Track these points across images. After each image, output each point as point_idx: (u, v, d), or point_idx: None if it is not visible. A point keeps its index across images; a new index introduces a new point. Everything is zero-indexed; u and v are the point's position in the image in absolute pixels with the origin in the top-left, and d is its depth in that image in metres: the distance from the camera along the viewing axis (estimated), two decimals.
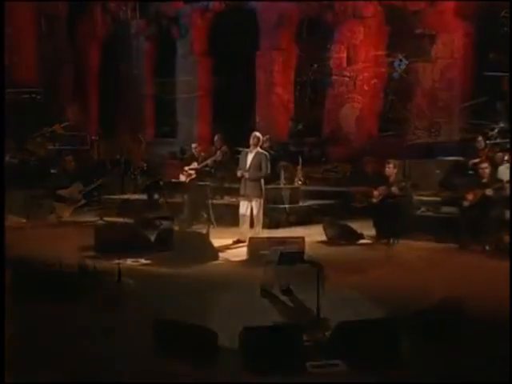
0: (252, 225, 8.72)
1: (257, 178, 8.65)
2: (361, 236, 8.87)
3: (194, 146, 10.78)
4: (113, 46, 16.59)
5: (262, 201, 8.75)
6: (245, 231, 8.72)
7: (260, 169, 8.64)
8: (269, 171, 8.73)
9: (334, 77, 13.52)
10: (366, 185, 9.18)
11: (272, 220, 10.13)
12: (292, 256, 7.02)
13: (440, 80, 12.38)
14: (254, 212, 8.65)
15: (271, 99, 14.31)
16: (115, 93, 16.48)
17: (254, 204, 8.64)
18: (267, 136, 11.87)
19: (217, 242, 8.23)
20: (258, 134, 8.76)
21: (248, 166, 8.65)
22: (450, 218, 8.74)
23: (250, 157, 8.69)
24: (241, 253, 7.89)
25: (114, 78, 16.48)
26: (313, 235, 9.26)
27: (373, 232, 8.89)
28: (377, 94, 13.44)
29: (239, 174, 8.72)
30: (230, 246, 8.62)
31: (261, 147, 11.16)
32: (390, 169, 8.87)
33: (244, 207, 8.75)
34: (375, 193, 8.80)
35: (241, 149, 8.96)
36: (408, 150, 12.22)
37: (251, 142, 8.70)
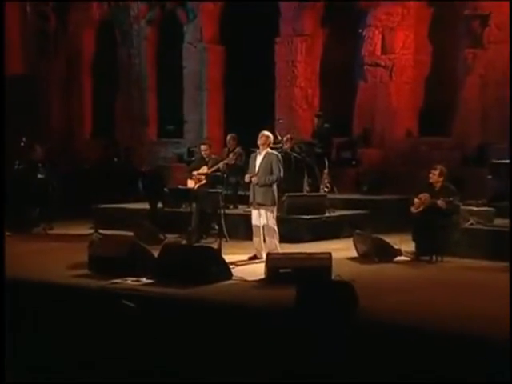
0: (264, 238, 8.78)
1: (267, 183, 8.70)
2: (398, 252, 8.82)
3: (203, 147, 10.83)
4: (109, 32, 16.75)
5: (275, 209, 8.78)
6: (257, 245, 8.76)
7: (271, 172, 8.68)
8: (281, 174, 8.77)
9: (366, 67, 13.49)
10: (404, 192, 9.15)
11: (293, 233, 10.15)
12: (317, 275, 7.04)
13: (493, 68, 12.25)
14: (265, 222, 8.69)
15: (293, 93, 14.33)
16: (112, 85, 16.62)
17: (265, 213, 8.68)
18: (288, 136, 11.89)
19: (230, 259, 8.25)
20: (266, 132, 8.80)
21: (257, 169, 8.71)
22: (503, 231, 8.66)
23: (259, 159, 8.75)
24: (258, 271, 7.89)
25: (111, 69, 16.63)
26: (341, 251, 9.24)
27: (412, 247, 8.84)
28: (417, 87, 13.40)
29: (247, 178, 8.78)
30: (246, 262, 8.64)
31: (281, 148, 11.31)
32: (435, 176, 8.74)
33: (255, 217, 8.80)
34: (416, 201, 8.74)
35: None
36: (454, 152, 12.16)
37: (259, 141, 8.75)
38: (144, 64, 16.40)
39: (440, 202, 8.46)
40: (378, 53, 13.40)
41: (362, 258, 8.90)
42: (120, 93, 16.66)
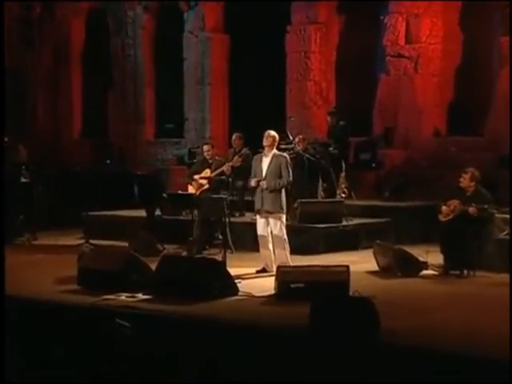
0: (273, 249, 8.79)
1: (276, 188, 8.72)
2: (424, 265, 8.80)
3: (205, 147, 10.85)
4: (101, 20, 16.82)
5: (284, 217, 8.80)
6: (266, 257, 8.79)
7: (279, 176, 8.71)
8: (291, 178, 8.80)
9: (388, 58, 13.49)
10: (431, 198, 9.13)
11: (307, 244, 10.15)
12: (332, 290, 7.03)
13: None
14: (275, 232, 8.72)
15: (306, 88, 14.34)
16: (104, 80, 16.68)
17: (274, 222, 8.71)
18: (300, 136, 11.90)
19: (236, 272, 8.26)
20: (272, 132, 8.83)
21: (264, 173, 8.74)
22: None
23: (265, 162, 8.79)
24: (267, 286, 7.89)
25: (103, 61, 16.70)
26: (360, 263, 9.23)
27: (440, 260, 8.81)
28: (446, 80, 13.37)
29: (253, 183, 8.81)
30: (253, 276, 8.65)
31: (293, 149, 11.32)
32: (466, 180, 8.69)
33: (261, 226, 8.83)
34: (444, 208, 8.71)
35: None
36: (487, 154, 12.11)
37: (264, 142, 8.78)
38: (140, 55, 16.47)
39: (471, 209, 8.42)
40: (402, 42, 13.40)
41: (383, 271, 8.87)
42: (113, 88, 16.73)
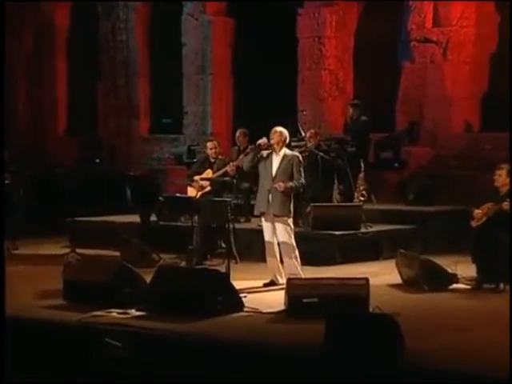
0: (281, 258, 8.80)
1: (290, 191, 8.74)
2: (454, 278, 8.78)
3: (209, 144, 10.85)
4: (89, 2, 16.84)
5: (291, 222, 8.82)
6: (274, 267, 8.81)
7: (291, 177, 8.73)
8: (303, 180, 8.81)
9: (413, 43, 13.46)
10: (461, 202, 9.10)
11: (321, 253, 10.13)
12: (350, 306, 7.02)
13: None
14: (283, 239, 8.73)
15: (320, 77, 14.34)
16: (93, 69, 16.71)
17: (282, 227, 8.73)
18: (313, 131, 11.90)
19: (241, 285, 8.27)
20: (279, 128, 8.82)
21: (274, 173, 8.76)
22: None
23: (275, 161, 8.81)
24: (276, 301, 7.89)
25: (91, 48, 16.73)
26: (381, 276, 9.23)
27: (472, 272, 8.79)
28: (479, 68, 13.33)
29: (262, 141, 8.81)
30: (260, 290, 8.65)
31: (305, 147, 11.30)
32: (502, 177, 8.65)
33: (269, 232, 8.84)
34: (476, 213, 8.67)
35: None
36: None
37: (272, 139, 8.78)
38: (132, 41, 16.50)
39: (505, 204, 8.34)
40: (429, 25, 13.36)
41: (408, 285, 8.86)
42: (102, 78, 16.76)
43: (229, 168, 10.52)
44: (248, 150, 9.26)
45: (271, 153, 8.83)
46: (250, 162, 8.87)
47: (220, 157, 10.84)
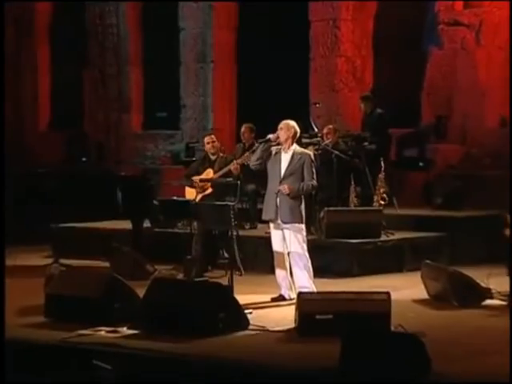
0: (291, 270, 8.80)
1: (300, 194, 8.74)
2: (487, 293, 8.76)
3: (207, 139, 10.84)
4: None
5: (303, 229, 8.81)
6: (283, 280, 8.81)
7: (302, 178, 8.73)
8: (314, 182, 8.81)
9: (441, 26, 13.45)
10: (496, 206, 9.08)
11: (336, 264, 10.13)
12: (369, 324, 7.00)
13: None
14: (294, 248, 8.71)
15: (335, 66, 14.34)
16: (78, 58, 16.72)
17: (293, 235, 8.72)
18: (329, 127, 11.91)
19: (246, 300, 8.26)
20: (290, 122, 8.79)
21: (283, 174, 8.75)
22: None
23: (284, 159, 8.80)
24: (285, 317, 7.88)
25: (77, 35, 16.74)
26: (405, 290, 9.20)
27: (508, 286, 8.74)
28: None
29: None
30: (268, 305, 8.64)
31: (319, 144, 11.29)
32: None
33: (278, 240, 8.83)
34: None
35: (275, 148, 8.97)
36: None
37: (281, 137, 8.74)
38: (124, 26, 16.51)
39: None
40: (460, 6, 13.38)
41: (435, 300, 8.84)
42: (90, 67, 16.78)
43: (232, 167, 10.50)
44: (256, 146, 9.24)
45: (280, 150, 8.81)
46: (258, 159, 8.83)
47: (222, 154, 10.82)
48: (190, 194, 10.67)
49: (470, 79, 13.31)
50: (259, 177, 10.08)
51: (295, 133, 8.82)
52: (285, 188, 8.65)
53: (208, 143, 10.73)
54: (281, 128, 8.76)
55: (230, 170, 10.54)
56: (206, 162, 10.79)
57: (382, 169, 11.39)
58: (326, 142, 11.48)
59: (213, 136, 10.95)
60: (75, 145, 16.32)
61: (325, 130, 11.75)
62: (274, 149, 8.83)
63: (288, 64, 14.38)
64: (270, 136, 8.78)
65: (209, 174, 10.67)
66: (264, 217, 9.01)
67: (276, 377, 6.27)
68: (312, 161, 8.84)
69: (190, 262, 10.12)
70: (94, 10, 16.63)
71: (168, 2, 15.69)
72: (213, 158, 10.72)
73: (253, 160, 8.99)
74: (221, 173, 10.59)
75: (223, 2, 15.48)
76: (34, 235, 12.18)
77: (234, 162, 10.56)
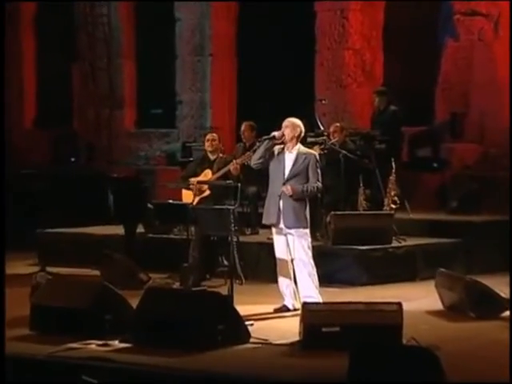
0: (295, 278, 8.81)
1: (304, 197, 8.75)
2: (506, 303, 8.74)
3: (209, 136, 10.83)
4: None
5: (308, 234, 8.82)
6: (286, 289, 8.82)
7: (306, 180, 8.74)
8: (319, 184, 8.82)
9: (457, 16, 13.46)
10: None
11: (343, 272, 10.15)
12: (379, 337, 7.00)
13: None
14: (298, 255, 8.72)
15: (342, 59, 14.35)
16: (67, 51, 16.73)
17: (298, 241, 8.72)
18: (337, 124, 11.90)
19: (247, 311, 8.26)
20: (294, 120, 8.81)
21: (286, 175, 8.77)
22: None
23: (288, 160, 8.81)
24: (289, 330, 7.87)
25: (65, 26, 16.74)
26: (418, 300, 9.21)
27: None
28: None
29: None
30: (271, 317, 8.64)
31: (325, 143, 11.30)
32: None
33: (281, 246, 8.84)
34: None
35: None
36: None
37: (286, 135, 8.74)
38: (115, 17, 16.52)
39: None
40: None
41: (450, 311, 8.85)
42: (79, 60, 16.78)
43: (231, 167, 10.49)
44: (258, 144, 9.21)
45: (283, 150, 8.82)
46: (261, 157, 8.82)
47: (221, 155, 10.82)
48: (187, 196, 10.67)
49: (488, 73, 13.30)
50: (261, 178, 10.09)
51: (300, 132, 8.84)
52: (288, 189, 8.65)
53: (208, 140, 10.71)
54: (286, 126, 8.77)
55: (229, 171, 10.53)
56: (205, 163, 10.79)
57: (393, 170, 11.39)
58: (333, 141, 11.48)
59: (215, 135, 10.91)
60: (63, 144, 16.33)
61: (331, 129, 11.75)
62: (276, 148, 8.83)
63: (292, 57, 14.39)
64: (275, 133, 8.77)
65: (207, 175, 10.67)
66: (265, 221, 9.02)
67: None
68: (317, 161, 8.86)
69: (187, 270, 10.12)
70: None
71: None
72: (212, 158, 10.72)
73: (255, 158, 8.98)
74: (219, 173, 10.58)
75: None
76: (18, 241, 12.18)
77: (234, 161, 10.56)
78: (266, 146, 8.77)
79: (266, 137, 8.85)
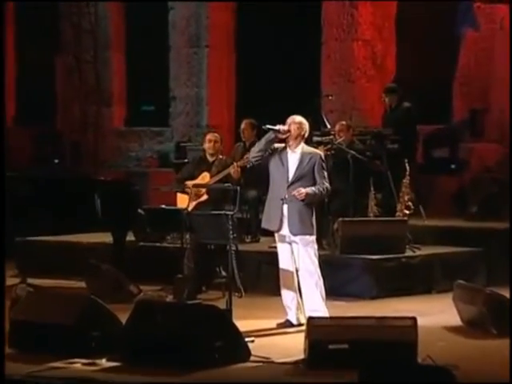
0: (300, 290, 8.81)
1: (312, 201, 8.76)
2: None
3: (209, 137, 10.79)
4: None
5: (315, 240, 8.81)
6: (290, 303, 8.82)
7: (313, 182, 8.74)
8: (328, 185, 8.81)
9: (477, 4, 13.45)
10: None
11: (352, 284, 10.16)
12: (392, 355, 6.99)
13: None
14: (302, 264, 8.72)
15: (351, 51, 14.38)
16: (50, 42, 16.74)
17: (301, 249, 8.72)
18: (343, 123, 11.90)
19: (247, 326, 8.25)
20: (298, 118, 8.81)
21: (291, 177, 8.76)
22: None
23: (292, 160, 8.81)
24: (293, 347, 7.88)
25: (48, 16, 16.75)
26: (434, 315, 9.21)
27: None
28: None
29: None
30: (273, 333, 8.64)
31: (332, 143, 11.30)
32: None
33: (285, 256, 8.84)
34: None
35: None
36: None
37: (293, 131, 8.73)
38: (103, 5, 16.55)
39: None
40: None
41: (469, 327, 8.83)
42: (63, 52, 16.80)
43: (232, 170, 10.48)
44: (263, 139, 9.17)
45: (285, 149, 8.81)
46: (261, 150, 8.78)
47: (221, 156, 10.80)
48: (182, 201, 10.66)
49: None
50: (261, 181, 10.09)
51: (306, 132, 8.86)
52: (300, 192, 8.63)
53: (210, 141, 10.65)
54: (294, 122, 8.76)
55: (229, 174, 10.50)
56: (203, 165, 10.74)
57: (407, 172, 11.40)
58: (339, 140, 11.46)
59: (217, 135, 10.83)
60: (46, 143, 16.33)
61: (337, 127, 11.75)
62: (277, 146, 8.82)
63: (296, 50, 14.40)
64: (280, 127, 8.75)
65: (205, 178, 10.65)
66: (265, 225, 9.00)
67: None
68: (323, 161, 8.86)
69: (181, 281, 10.12)
70: None
71: None
72: (210, 159, 10.69)
73: (254, 150, 8.95)
74: (219, 177, 10.55)
75: None
76: None
77: (234, 164, 10.54)
78: (268, 138, 8.75)
79: (270, 126, 8.81)
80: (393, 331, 7.38)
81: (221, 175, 10.55)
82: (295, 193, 8.63)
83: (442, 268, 10.75)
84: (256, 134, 11.55)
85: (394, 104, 12.79)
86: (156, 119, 16.21)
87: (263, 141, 8.82)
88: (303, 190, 8.62)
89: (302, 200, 8.64)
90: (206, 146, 10.71)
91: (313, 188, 8.67)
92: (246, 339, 7.79)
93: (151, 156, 15.97)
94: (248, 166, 10.36)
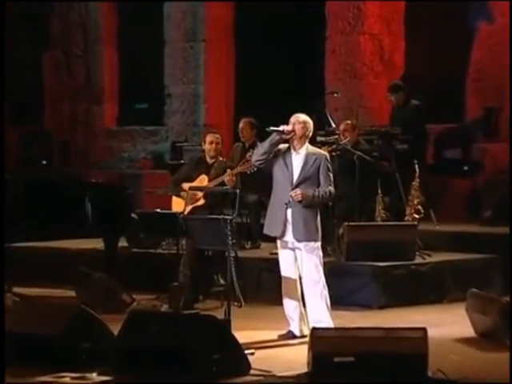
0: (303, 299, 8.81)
1: (315, 203, 8.78)
2: None
3: (210, 138, 10.77)
4: None
5: (319, 246, 8.83)
6: (293, 313, 8.82)
7: (317, 184, 8.76)
8: (332, 189, 8.82)
9: None
10: None
11: (359, 292, 10.18)
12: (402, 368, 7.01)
13: None
14: (306, 271, 8.73)
15: (357, 45, 14.40)
16: (37, 36, 16.76)
17: (305, 256, 8.73)
18: (348, 122, 11.92)
19: (247, 338, 8.27)
20: (302, 116, 8.82)
21: (296, 179, 8.78)
22: None
23: (296, 162, 8.83)
24: (296, 359, 7.88)
25: (36, 6, 16.77)
26: (446, 326, 9.22)
27: None
28: None
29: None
30: (274, 344, 8.65)
31: (337, 143, 11.31)
32: None
33: (288, 263, 8.84)
34: None
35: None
36: None
37: (297, 131, 8.74)
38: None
39: None
40: None
41: (483, 339, 8.83)
42: (52, 47, 16.82)
43: (226, 178, 10.39)
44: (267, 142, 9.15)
45: (289, 150, 8.83)
46: (265, 153, 8.79)
47: (221, 158, 10.76)
48: (178, 205, 10.67)
49: None
50: (263, 184, 10.11)
51: (310, 131, 8.88)
52: (297, 194, 8.65)
53: (211, 143, 10.60)
54: (298, 122, 8.77)
55: (229, 177, 10.45)
56: (201, 166, 10.71)
57: (417, 174, 11.42)
58: (344, 140, 11.47)
59: (218, 136, 10.76)
60: (33, 143, 16.35)
61: (341, 127, 11.75)
62: (280, 147, 8.82)
63: (298, 44, 14.41)
64: (284, 127, 8.75)
65: (203, 181, 10.62)
66: (267, 231, 9.01)
67: None
68: (329, 162, 8.87)
69: (177, 290, 10.10)
70: None
71: None
72: (210, 161, 10.66)
73: (258, 153, 8.92)
74: (217, 181, 10.48)
75: None
76: None
77: (229, 172, 10.44)
78: (272, 139, 8.75)
79: (273, 128, 8.81)
80: (402, 343, 7.37)
81: (219, 180, 10.51)
82: (292, 194, 8.65)
83: (454, 276, 10.76)
84: (256, 133, 11.56)
85: (401, 102, 12.78)
86: (150, 118, 16.23)
87: (267, 143, 8.82)
88: (299, 191, 8.63)
89: (300, 202, 8.66)
90: (207, 147, 10.66)
91: (312, 190, 8.68)
92: (246, 351, 7.79)
93: (145, 157, 15.99)
94: (249, 172, 10.37)
